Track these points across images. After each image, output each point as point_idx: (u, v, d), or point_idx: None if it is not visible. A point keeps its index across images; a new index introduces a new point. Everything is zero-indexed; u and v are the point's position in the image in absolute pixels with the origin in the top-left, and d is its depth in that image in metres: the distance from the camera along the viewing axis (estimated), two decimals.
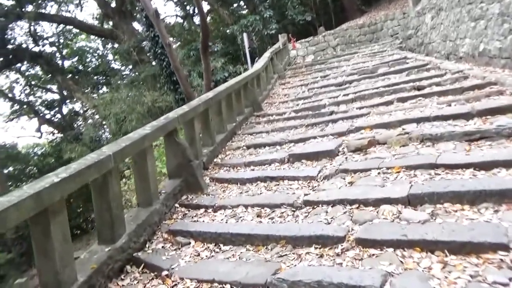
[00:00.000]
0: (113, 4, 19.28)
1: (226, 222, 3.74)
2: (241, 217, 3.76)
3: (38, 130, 27.65)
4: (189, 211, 4.29)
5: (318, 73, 11.47)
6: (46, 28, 21.26)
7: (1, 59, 19.48)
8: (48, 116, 25.10)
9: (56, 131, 25.06)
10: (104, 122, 16.28)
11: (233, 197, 4.31)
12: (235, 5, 20.87)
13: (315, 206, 3.49)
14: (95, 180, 3.39)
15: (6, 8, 18.01)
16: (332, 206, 3.38)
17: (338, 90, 8.52)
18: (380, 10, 18.43)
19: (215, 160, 5.67)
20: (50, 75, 19.52)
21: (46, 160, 26.17)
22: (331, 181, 3.93)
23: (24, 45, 19.20)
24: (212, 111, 6.46)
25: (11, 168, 27.29)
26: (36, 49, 19.07)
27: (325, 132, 5.56)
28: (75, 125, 18.80)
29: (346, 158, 4.39)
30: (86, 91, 18.63)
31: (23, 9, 18.35)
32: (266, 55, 11.60)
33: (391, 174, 3.63)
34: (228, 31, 16.85)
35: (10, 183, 26.23)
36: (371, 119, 5.51)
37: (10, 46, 18.84)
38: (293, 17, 17.73)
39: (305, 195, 3.75)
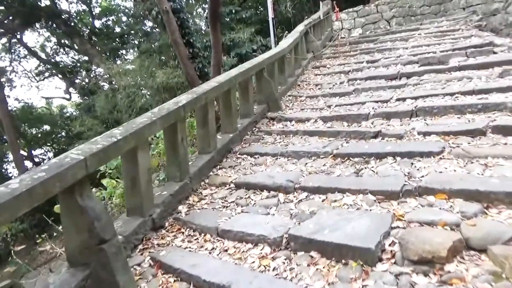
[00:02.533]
0: None
1: None
2: None
3: (67, 91, 26.82)
4: None
5: (365, 56, 8.82)
6: None
7: (20, 18, 18.08)
8: (73, 79, 23.99)
9: (78, 95, 24.04)
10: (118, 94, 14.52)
11: None
12: None
13: None
14: None
15: None
16: None
17: (390, 88, 5.99)
18: None
19: (178, 209, 3.53)
20: (67, 37, 17.99)
21: (73, 123, 25.53)
22: None
23: (42, 4, 17.60)
24: (198, 117, 4.32)
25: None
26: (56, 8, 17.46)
27: (361, 182, 3.24)
28: (90, 94, 17.31)
29: (398, 278, 2.11)
30: (104, 57, 16.88)
31: None
32: (299, 28, 9.06)
33: None
34: None
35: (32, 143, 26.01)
36: (450, 168, 3.10)
37: (29, 5, 17.34)
38: None
39: None
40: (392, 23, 12.42)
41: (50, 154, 25.76)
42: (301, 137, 4.83)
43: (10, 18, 18.65)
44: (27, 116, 25.41)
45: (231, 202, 3.53)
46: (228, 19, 13.71)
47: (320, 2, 11.45)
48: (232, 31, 12.67)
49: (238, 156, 4.64)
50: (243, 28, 12.82)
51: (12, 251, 8.60)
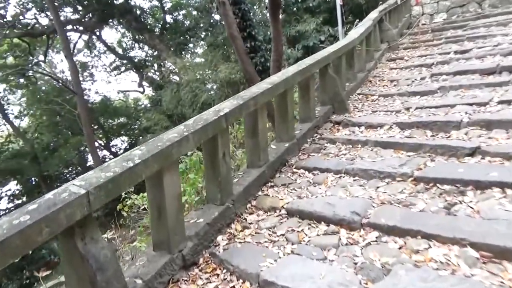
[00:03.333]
0: None
1: None
2: None
3: (140, 85, 28.02)
4: None
5: (452, 45, 7.50)
6: None
7: (96, 15, 18.97)
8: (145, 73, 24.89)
9: (151, 89, 24.91)
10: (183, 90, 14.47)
11: None
12: None
13: None
14: None
15: None
16: None
17: (488, 86, 4.83)
18: None
19: (216, 240, 2.94)
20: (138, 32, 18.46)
21: (144, 116, 26.68)
22: None
23: (116, 1, 18.22)
24: (246, 126, 3.70)
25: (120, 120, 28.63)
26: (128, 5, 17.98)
27: (456, 225, 2.35)
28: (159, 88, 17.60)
29: None
30: (171, 51, 17.01)
31: None
32: (372, 15, 7.98)
33: None
34: None
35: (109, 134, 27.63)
36: None
37: (104, 2, 18.09)
38: None
39: None
40: (485, 5, 10.64)
41: (125, 145, 27.17)
42: (372, 149, 3.96)
43: (88, 16, 19.66)
44: (105, 108, 26.99)
45: (280, 235, 2.85)
46: (294, 8, 12.87)
47: None
48: (298, 22, 11.81)
49: (294, 170, 3.92)
50: (309, 18, 11.89)
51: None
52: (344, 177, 3.53)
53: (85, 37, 23.79)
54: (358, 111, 5.32)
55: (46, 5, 17.85)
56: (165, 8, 22.82)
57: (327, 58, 5.21)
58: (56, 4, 18.45)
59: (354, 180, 3.41)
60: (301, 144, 4.43)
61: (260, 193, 3.55)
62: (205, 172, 3.19)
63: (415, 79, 6.17)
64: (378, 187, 3.15)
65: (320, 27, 12.18)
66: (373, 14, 8.04)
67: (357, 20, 8.33)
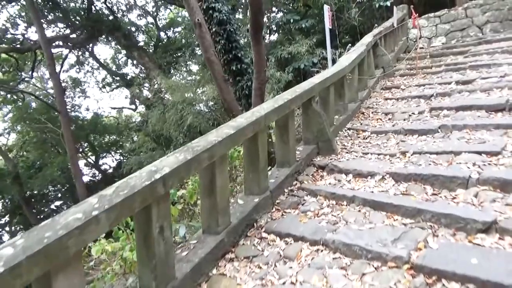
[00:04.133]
0: None
1: None
2: None
3: (132, 102, 27.40)
4: None
5: (452, 74, 6.84)
6: None
7: (86, 32, 18.45)
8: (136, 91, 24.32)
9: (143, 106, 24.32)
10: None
11: None
12: None
13: None
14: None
15: None
16: None
17: (498, 127, 4.12)
18: None
19: None
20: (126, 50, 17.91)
21: (131, 137, 26.08)
22: None
23: (104, 18, 17.71)
24: (200, 184, 2.96)
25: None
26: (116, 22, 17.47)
27: None
28: (147, 108, 16.93)
29: None
30: (162, 69, 16.38)
31: None
32: (365, 40, 7.34)
33: None
34: None
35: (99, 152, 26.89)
36: None
37: (93, 19, 17.57)
38: None
39: None
40: (486, 29, 10.07)
41: (116, 163, 26.38)
42: (360, 210, 3.21)
43: (78, 32, 19.13)
44: (95, 125, 26.30)
45: None
46: (285, 29, 12.31)
47: (394, 7, 9.56)
48: (290, 44, 11.21)
49: (263, 235, 3.15)
50: (302, 40, 11.29)
51: None
52: (322, 251, 2.76)
53: (78, 52, 23.32)
54: (347, 152, 4.59)
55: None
56: (159, 26, 22.42)
57: (311, 90, 4.50)
58: (43, 20, 17.97)
59: (334, 258, 2.64)
60: (275, 197, 3.68)
61: (214, 271, 2.77)
62: (137, 252, 2.42)
63: (413, 113, 5.48)
64: (364, 275, 2.38)
65: (313, 49, 11.58)
66: (367, 38, 7.41)
67: (349, 44, 7.69)
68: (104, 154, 27.98)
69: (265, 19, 13.71)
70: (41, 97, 23.37)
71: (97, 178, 26.44)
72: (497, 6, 9.98)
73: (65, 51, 22.95)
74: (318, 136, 4.59)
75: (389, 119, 5.64)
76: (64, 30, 18.75)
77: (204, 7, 8.60)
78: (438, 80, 6.72)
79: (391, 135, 4.92)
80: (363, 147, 4.73)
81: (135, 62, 23.68)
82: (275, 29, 13.97)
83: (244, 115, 3.46)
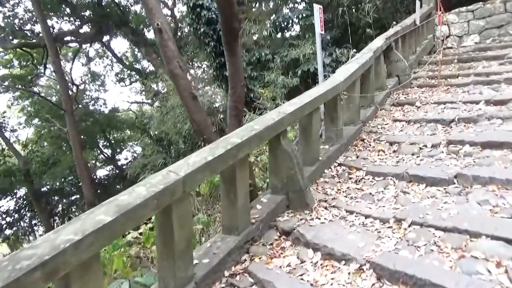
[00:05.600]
0: None
1: None
2: None
3: (149, 97, 26.86)
4: None
5: (482, 88, 5.42)
6: None
7: (94, 26, 17.81)
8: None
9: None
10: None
11: None
12: None
13: None
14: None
15: None
16: None
17: None
18: None
19: None
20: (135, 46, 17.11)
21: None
22: None
23: (113, 12, 16.92)
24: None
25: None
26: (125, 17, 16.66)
27: None
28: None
29: None
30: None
31: None
32: (374, 44, 6.01)
33: None
34: None
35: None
36: None
37: (100, 14, 16.85)
38: None
39: None
40: None
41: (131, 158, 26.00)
42: None
43: (87, 27, 18.55)
44: (112, 119, 25.98)
45: None
46: (293, 28, 11.03)
47: (417, 1, 8.09)
48: (294, 47, 9.91)
49: None
50: (310, 39, 9.98)
51: None
52: None
53: (90, 46, 22.84)
54: (325, 208, 3.42)
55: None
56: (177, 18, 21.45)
57: (278, 125, 3.35)
58: (51, 14, 17.44)
59: None
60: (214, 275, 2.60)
61: None
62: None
63: (425, 146, 4.21)
64: None
65: (326, 49, 10.25)
66: (377, 42, 6.09)
67: (353, 50, 6.41)
68: (121, 149, 27.73)
69: (286, 10, 12.25)
70: (54, 93, 23.17)
71: (112, 172, 26.18)
72: None
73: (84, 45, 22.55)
74: (288, 184, 3.45)
75: (394, 151, 4.39)
76: (72, 25, 18.14)
77: (191, 4, 7.52)
78: (463, 96, 5.36)
79: (390, 181, 3.70)
80: (350, 198, 3.54)
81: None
82: (296, 21, 12.64)
83: (151, 178, 2.37)
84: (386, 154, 4.38)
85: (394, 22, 8.00)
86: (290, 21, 11.73)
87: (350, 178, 3.99)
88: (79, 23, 17.77)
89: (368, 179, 3.89)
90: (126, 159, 27.02)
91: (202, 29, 7.44)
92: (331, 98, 4.40)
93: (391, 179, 3.73)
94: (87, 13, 17.62)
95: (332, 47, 10.53)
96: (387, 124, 5.18)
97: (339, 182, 3.95)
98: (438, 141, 4.19)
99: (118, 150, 27.02)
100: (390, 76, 6.74)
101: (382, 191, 3.56)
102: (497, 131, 3.96)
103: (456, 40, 9.37)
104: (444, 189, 3.29)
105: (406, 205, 3.17)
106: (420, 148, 4.22)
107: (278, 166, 3.47)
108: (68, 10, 17.34)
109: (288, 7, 12.93)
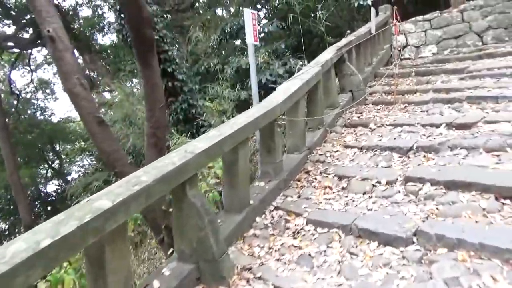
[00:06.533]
0: None
1: None
2: None
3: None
4: None
5: (443, 108, 4.78)
6: None
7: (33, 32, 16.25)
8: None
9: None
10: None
11: None
12: None
13: None
14: None
15: None
16: None
17: None
18: None
19: None
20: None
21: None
22: None
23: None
24: None
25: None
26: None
27: None
28: None
29: None
30: (112, 77, 14.22)
31: None
32: (324, 56, 5.26)
33: None
34: None
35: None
36: None
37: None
38: None
39: None
40: (487, 38, 8.04)
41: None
42: None
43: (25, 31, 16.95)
44: (62, 131, 24.21)
45: None
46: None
47: (372, 9, 7.49)
48: (245, 56, 9.10)
49: None
50: (262, 47, 9.20)
51: None
52: None
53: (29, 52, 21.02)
54: (246, 283, 2.54)
55: None
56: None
57: (181, 171, 2.44)
58: None
59: None
60: None
61: None
62: None
63: (378, 182, 3.45)
64: None
65: (280, 58, 9.51)
66: (326, 55, 5.35)
67: (300, 63, 5.66)
68: (72, 162, 25.83)
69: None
70: None
71: (61, 188, 24.27)
72: (501, 8, 7.96)
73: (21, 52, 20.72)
74: (198, 250, 2.55)
75: (343, 188, 3.60)
76: (8, 29, 16.52)
77: (118, 7, 6.50)
78: (422, 117, 4.69)
79: (335, 235, 2.90)
80: (283, 263, 2.70)
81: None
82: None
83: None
84: (333, 192, 3.59)
85: (348, 31, 7.36)
86: (242, 28, 10.92)
87: (287, 229, 3.15)
88: (16, 27, 16.17)
89: (309, 230, 3.06)
90: (78, 172, 25.21)
91: (128, 33, 6.46)
92: (266, 124, 3.57)
93: (336, 232, 2.92)
94: (28, 16, 16.08)
95: (287, 56, 9.82)
96: (337, 151, 4.40)
97: (273, 234, 3.10)
98: (394, 177, 3.44)
99: (68, 164, 25.15)
100: (343, 91, 6.03)
101: (325, 251, 2.74)
102: (463, 167, 3.25)
103: (414, 50, 8.89)
104: (401, 252, 2.50)
105: (352, 278, 2.36)
106: (373, 185, 3.45)
107: (185, 224, 2.57)
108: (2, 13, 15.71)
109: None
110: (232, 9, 14.23)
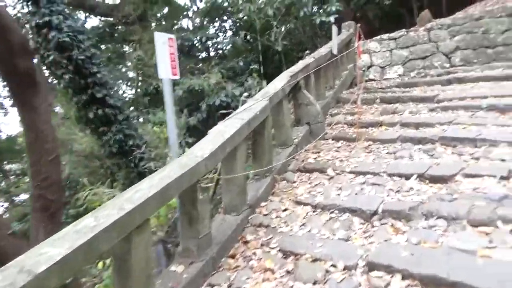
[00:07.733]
0: None
1: None
2: None
3: None
4: None
5: (413, 150, 4.01)
6: None
7: None
8: None
9: None
10: None
11: None
12: None
13: None
14: None
15: None
16: None
17: None
18: None
19: None
20: None
21: None
22: None
23: None
24: None
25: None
26: None
27: None
28: None
29: None
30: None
31: None
32: (275, 85, 4.36)
33: None
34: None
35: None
36: None
37: None
38: None
39: None
40: (455, 59, 7.49)
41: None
42: None
43: None
44: (11, 147, 22.32)
45: None
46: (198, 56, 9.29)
47: (333, 27, 6.75)
48: (193, 75, 8.19)
49: None
50: (214, 67, 8.31)
51: None
52: None
53: None
54: None
55: None
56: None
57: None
58: None
59: None
60: None
61: None
62: None
63: (333, 266, 2.58)
64: None
65: (235, 79, 8.65)
66: (276, 83, 4.48)
67: (245, 94, 4.80)
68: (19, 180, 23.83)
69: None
70: None
71: (7, 209, 22.27)
72: (469, 28, 7.44)
73: None
74: None
75: (287, 272, 2.70)
76: None
77: (33, 23, 5.43)
78: (388, 162, 3.89)
79: None
80: None
81: None
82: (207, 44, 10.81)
83: None
84: (275, 279, 2.67)
85: (307, 51, 6.60)
86: (198, 43, 10.01)
87: None
88: None
89: None
90: (28, 191, 23.26)
91: (51, 57, 5.40)
92: (188, 188, 2.63)
93: None
94: None
95: (244, 75, 8.96)
96: (285, 209, 3.51)
97: None
98: (354, 260, 2.57)
99: (15, 183, 23.17)
100: (299, 123, 5.19)
101: None
102: (443, 252, 2.41)
103: (379, 71, 8.25)
104: None
105: None
106: (327, 271, 2.57)
107: None
108: None
109: (213, 25, 11.10)
110: (198, 21, 13.33)
